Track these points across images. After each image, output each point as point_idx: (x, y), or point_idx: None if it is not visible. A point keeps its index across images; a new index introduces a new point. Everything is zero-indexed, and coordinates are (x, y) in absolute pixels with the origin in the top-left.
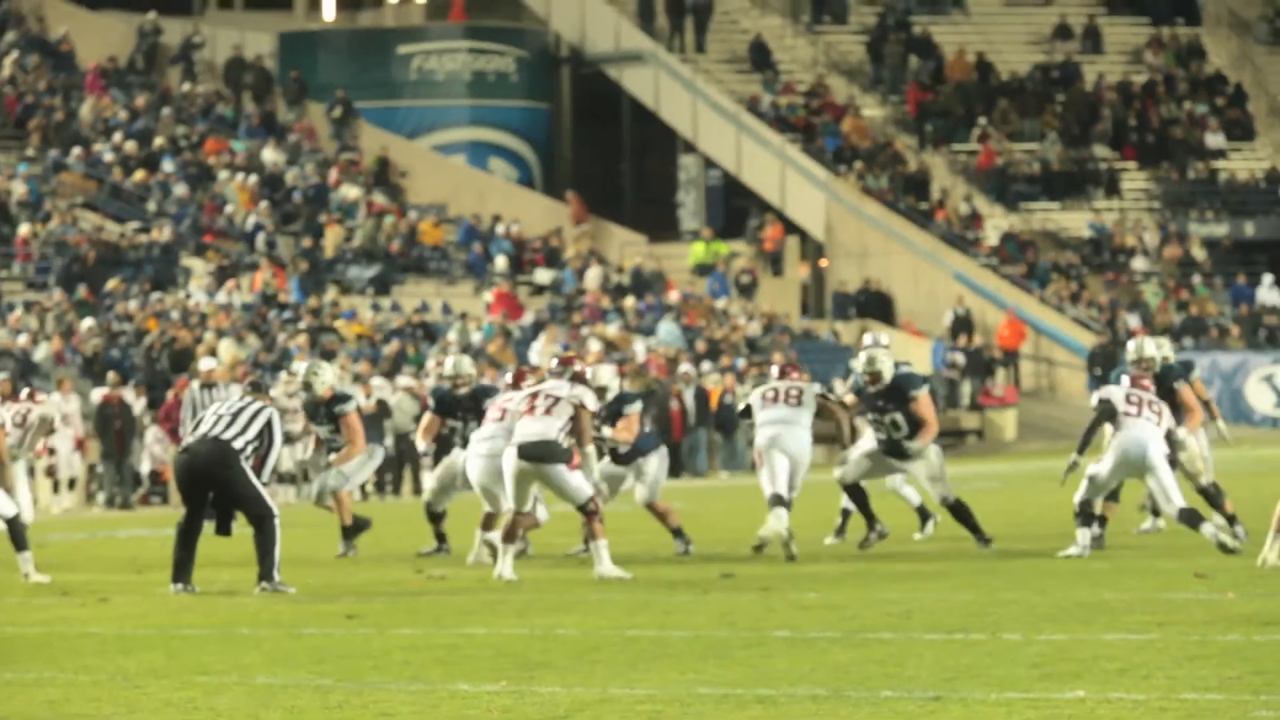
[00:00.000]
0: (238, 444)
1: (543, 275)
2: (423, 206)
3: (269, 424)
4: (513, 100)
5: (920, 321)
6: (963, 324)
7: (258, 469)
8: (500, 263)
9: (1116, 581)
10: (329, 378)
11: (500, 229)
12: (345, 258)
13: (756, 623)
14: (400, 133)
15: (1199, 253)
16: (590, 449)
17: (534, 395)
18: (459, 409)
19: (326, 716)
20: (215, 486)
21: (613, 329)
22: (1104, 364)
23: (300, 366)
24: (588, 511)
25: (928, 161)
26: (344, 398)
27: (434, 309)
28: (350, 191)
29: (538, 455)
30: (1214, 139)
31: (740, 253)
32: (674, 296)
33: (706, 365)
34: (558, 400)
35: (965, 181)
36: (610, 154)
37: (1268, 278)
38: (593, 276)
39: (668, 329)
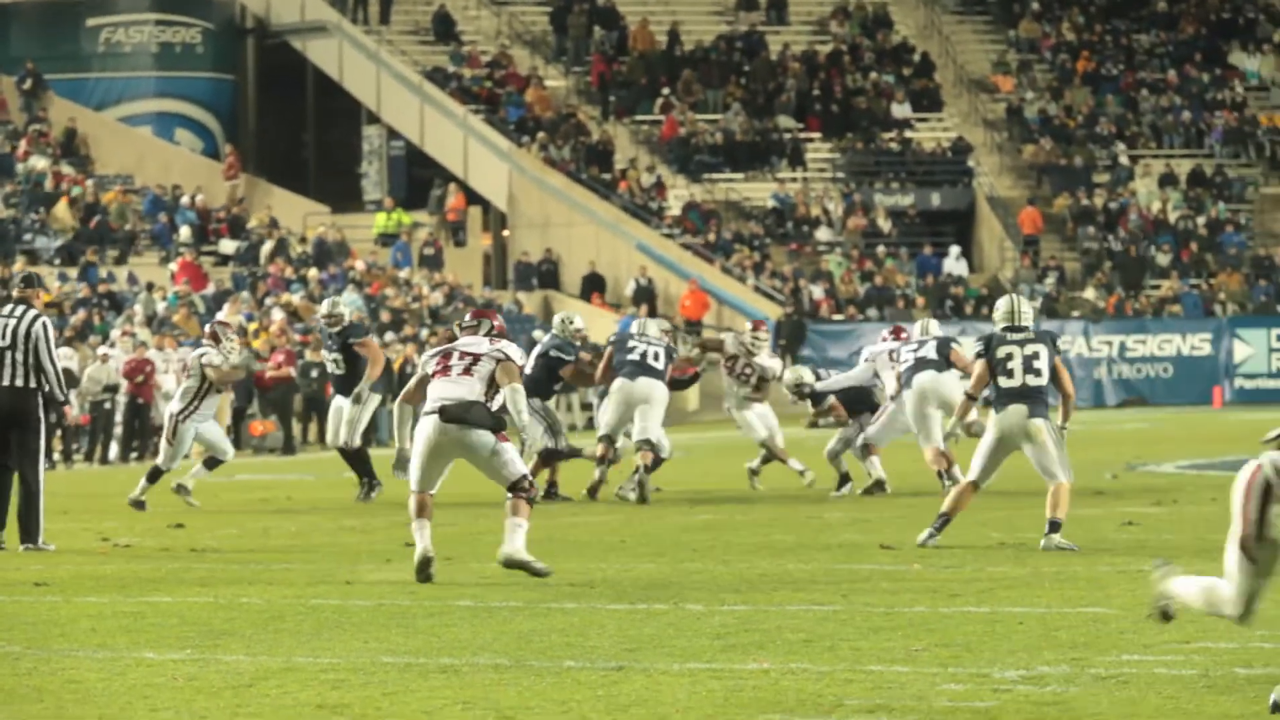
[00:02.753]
0: None
1: (227, 245)
2: (109, 177)
3: None
4: (199, 72)
5: (606, 293)
6: (645, 294)
7: None
8: (185, 233)
9: (801, 554)
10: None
11: (185, 199)
12: (34, 227)
13: (439, 592)
14: (89, 104)
15: (884, 223)
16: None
17: (446, 355)
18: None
19: (16, 683)
20: None
21: (297, 299)
22: (790, 335)
23: (325, 301)
24: (520, 490)
25: (611, 132)
26: (360, 328)
27: (120, 279)
28: (38, 163)
29: (461, 418)
30: (900, 109)
31: (423, 223)
32: (358, 266)
33: (390, 335)
34: (477, 358)
35: (649, 152)
36: (295, 125)
37: (954, 249)
38: (271, 248)
39: (350, 299)
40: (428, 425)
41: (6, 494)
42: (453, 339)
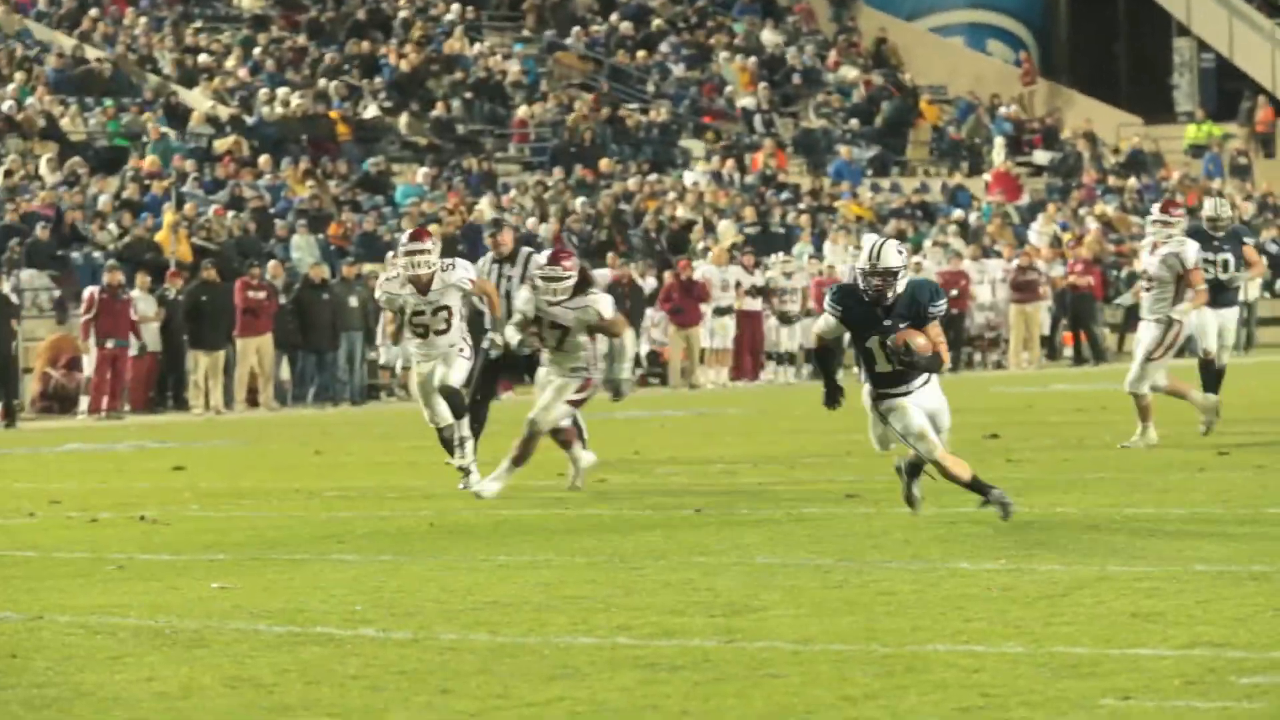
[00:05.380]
0: None
1: (1040, 156)
2: (921, 88)
3: None
4: None
5: None
6: None
7: None
8: (999, 144)
9: None
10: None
11: (1003, 110)
12: (845, 138)
13: (1252, 500)
14: (899, 14)
15: None
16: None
17: None
18: None
19: (826, 596)
20: None
21: (1111, 208)
22: None
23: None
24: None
25: None
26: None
27: (934, 190)
28: (849, 73)
29: None
30: None
31: (1233, 135)
32: (1173, 177)
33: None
34: None
35: None
36: (1107, 35)
37: None
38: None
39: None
40: None
41: None
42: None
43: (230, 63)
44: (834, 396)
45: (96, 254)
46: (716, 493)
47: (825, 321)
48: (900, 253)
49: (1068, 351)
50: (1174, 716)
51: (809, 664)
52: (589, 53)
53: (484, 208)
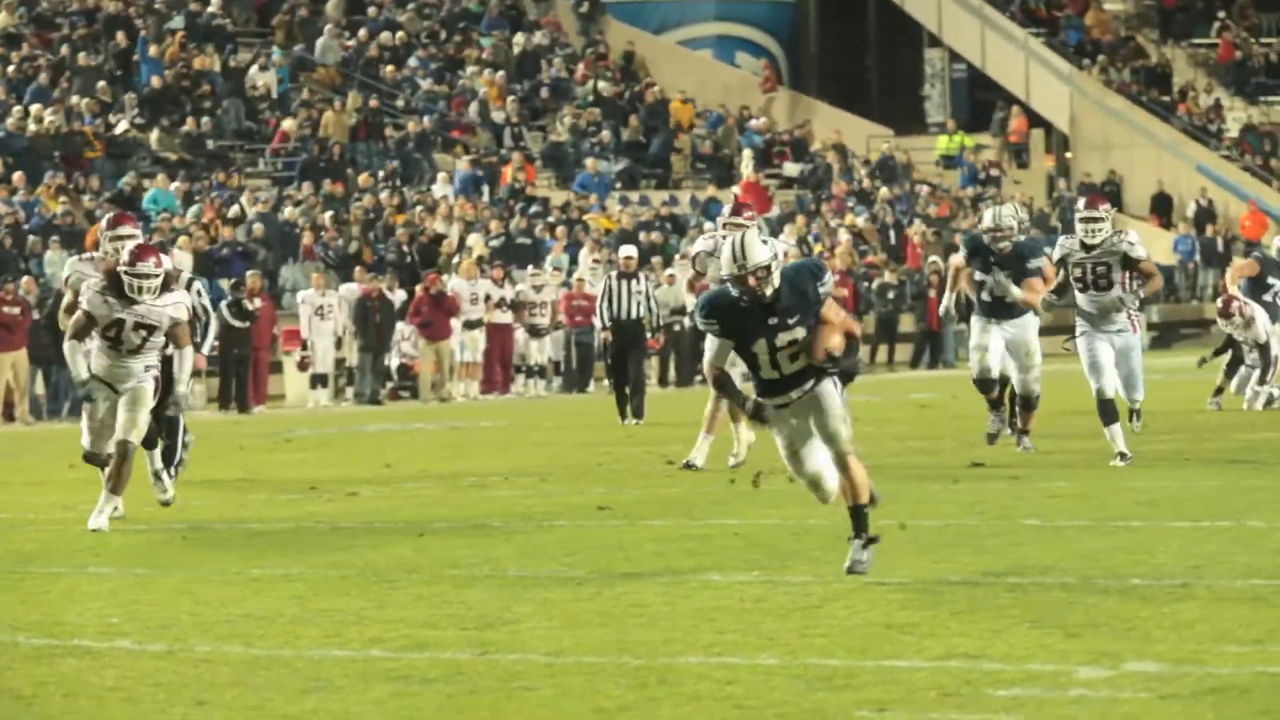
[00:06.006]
0: None
1: (790, 168)
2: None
3: None
4: None
5: (1164, 214)
6: (1206, 215)
7: None
8: (747, 156)
9: None
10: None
11: (753, 123)
12: (592, 151)
13: (1007, 511)
14: (647, 28)
15: None
16: None
17: None
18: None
19: (579, 609)
20: None
21: (861, 220)
22: None
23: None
24: None
25: (1169, 55)
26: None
27: (682, 202)
28: (601, 86)
29: None
30: None
31: (986, 145)
32: (923, 190)
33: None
34: None
35: (1206, 75)
36: (856, 48)
37: None
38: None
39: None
40: None
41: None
42: None
43: None
44: (759, 410)
45: None
46: (467, 506)
47: (709, 344)
48: (765, 242)
49: None
50: None
51: (562, 676)
52: (341, 69)
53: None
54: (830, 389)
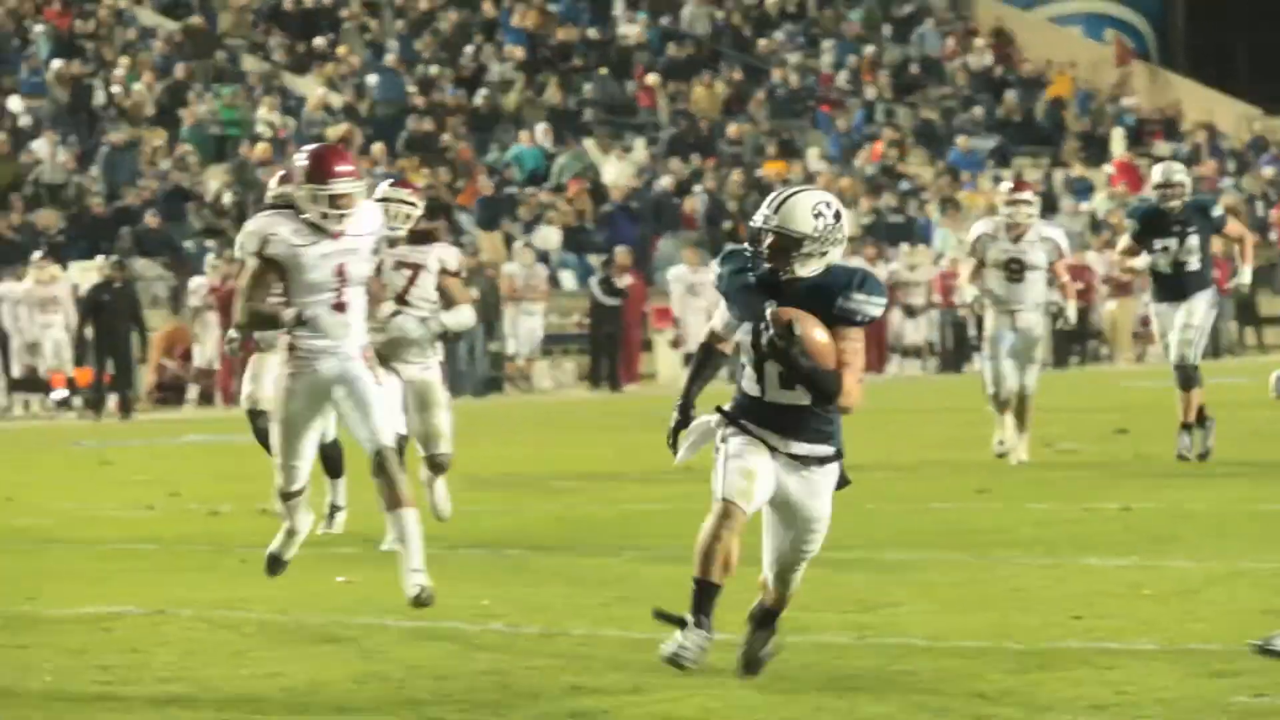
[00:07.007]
0: None
1: (1162, 147)
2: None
3: None
4: None
5: None
6: None
7: None
8: (1118, 135)
9: None
10: None
11: (1125, 101)
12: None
13: None
14: (1016, 4)
15: None
16: None
17: None
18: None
19: (958, 593)
20: None
21: (1230, 198)
22: None
23: None
24: None
25: None
26: None
27: (1055, 181)
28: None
29: None
30: None
31: None
32: None
33: None
34: None
35: None
36: (1225, 26)
37: None
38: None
39: None
40: None
41: None
42: None
43: None
44: (684, 416)
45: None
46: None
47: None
48: (819, 215)
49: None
50: None
51: (941, 660)
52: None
53: None
54: (823, 489)
